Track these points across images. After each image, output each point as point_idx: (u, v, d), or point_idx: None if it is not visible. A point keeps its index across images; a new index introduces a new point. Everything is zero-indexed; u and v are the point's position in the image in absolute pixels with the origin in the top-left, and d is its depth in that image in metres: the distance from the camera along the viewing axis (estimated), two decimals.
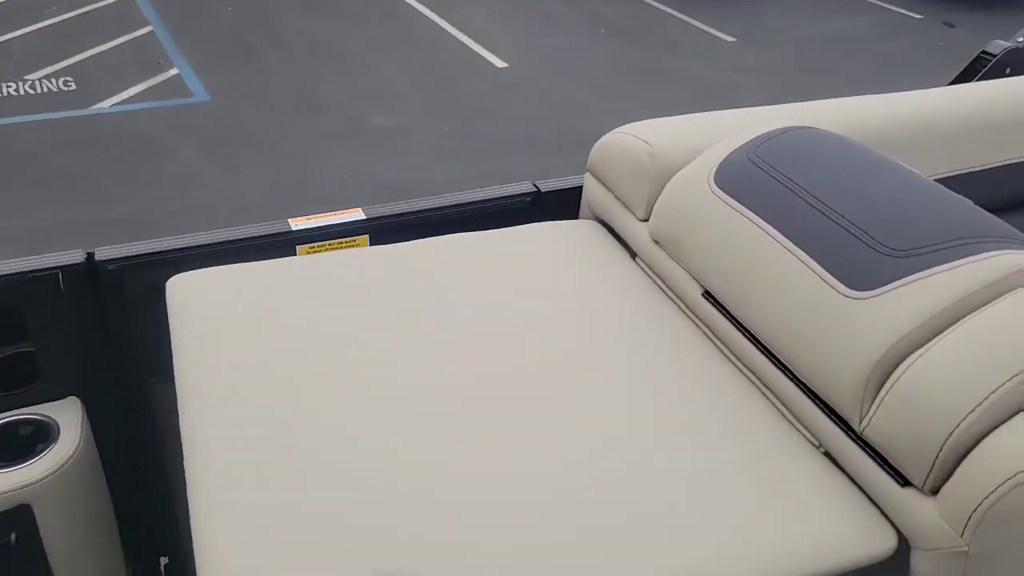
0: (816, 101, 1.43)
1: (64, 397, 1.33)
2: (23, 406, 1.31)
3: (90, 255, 1.26)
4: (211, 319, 1.08)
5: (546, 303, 1.14)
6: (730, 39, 7.36)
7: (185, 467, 0.88)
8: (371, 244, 1.38)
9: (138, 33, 6.56)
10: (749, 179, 1.10)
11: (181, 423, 0.94)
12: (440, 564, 0.77)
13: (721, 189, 1.10)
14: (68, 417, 1.30)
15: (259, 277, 1.17)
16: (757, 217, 1.04)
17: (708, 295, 1.11)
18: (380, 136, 5.29)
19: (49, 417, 1.30)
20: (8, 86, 5.51)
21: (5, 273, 1.21)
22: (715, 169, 1.14)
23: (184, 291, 1.13)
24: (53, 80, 5.66)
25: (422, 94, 5.90)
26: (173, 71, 5.94)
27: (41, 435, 1.27)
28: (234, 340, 1.04)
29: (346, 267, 1.21)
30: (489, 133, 5.42)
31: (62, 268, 1.24)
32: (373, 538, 0.79)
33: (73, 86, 5.60)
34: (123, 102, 5.45)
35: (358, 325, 1.08)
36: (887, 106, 1.44)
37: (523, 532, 0.81)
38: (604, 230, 1.34)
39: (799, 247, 0.98)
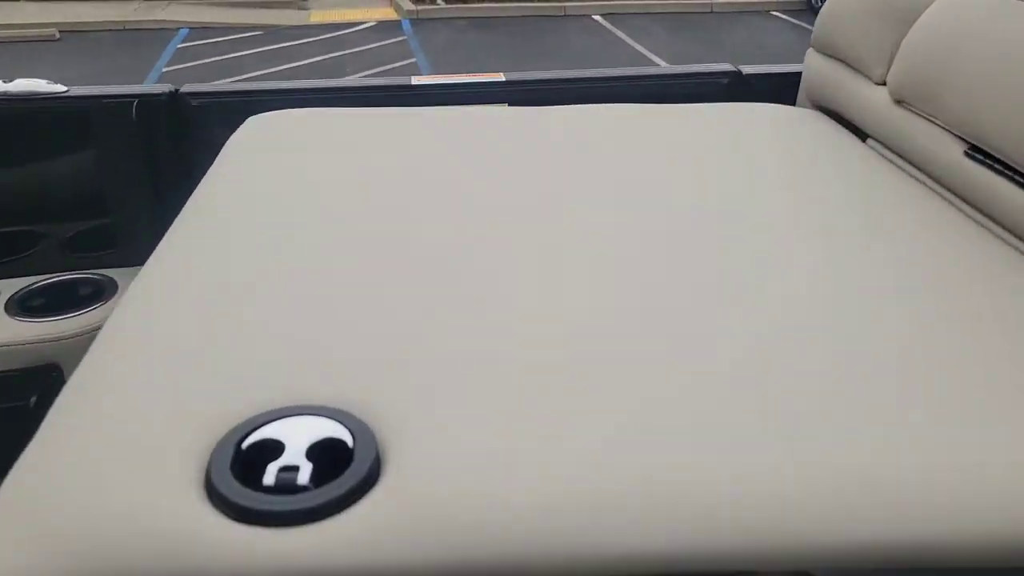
0: None
1: (139, 266, 1.28)
2: (97, 268, 1.23)
3: (175, 89, 1.13)
4: (259, 158, 0.89)
5: (740, 181, 0.86)
6: None
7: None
8: None
9: None
10: None
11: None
12: None
13: None
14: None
15: (346, 123, 0.96)
16: None
17: (975, 151, 0.80)
18: None
19: (108, 278, 1.20)
20: None
21: (81, 95, 1.11)
22: None
23: (254, 128, 0.95)
24: None
25: None
26: None
27: (95, 297, 1.18)
28: (268, 185, 0.85)
29: (463, 122, 0.97)
30: None
31: (139, 96, 1.10)
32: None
33: None
34: None
35: (445, 185, 0.84)
36: None
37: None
38: (826, 117, 1.05)
39: None
